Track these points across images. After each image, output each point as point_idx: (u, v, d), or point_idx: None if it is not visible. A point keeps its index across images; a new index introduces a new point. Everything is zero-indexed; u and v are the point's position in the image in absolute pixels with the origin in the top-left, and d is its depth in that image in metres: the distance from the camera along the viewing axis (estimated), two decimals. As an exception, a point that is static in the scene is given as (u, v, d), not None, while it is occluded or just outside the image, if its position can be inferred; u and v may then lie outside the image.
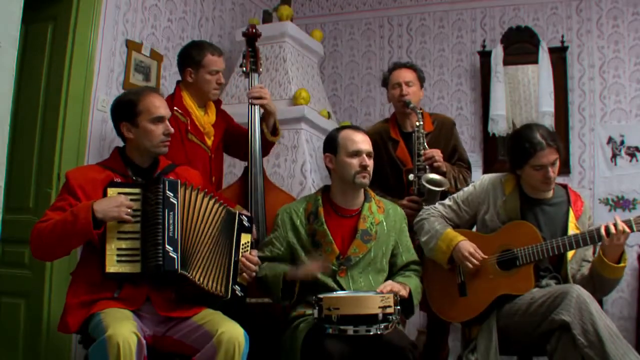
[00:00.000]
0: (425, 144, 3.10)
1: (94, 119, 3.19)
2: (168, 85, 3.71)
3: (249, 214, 2.53)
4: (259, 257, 2.54)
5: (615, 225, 2.35)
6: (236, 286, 2.36)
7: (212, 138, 3.01)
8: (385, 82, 3.37)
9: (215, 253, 2.33)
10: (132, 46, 3.45)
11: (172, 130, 2.40)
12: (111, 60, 3.32)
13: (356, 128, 2.68)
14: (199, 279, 2.25)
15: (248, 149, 3.03)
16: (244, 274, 2.40)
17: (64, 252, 2.26)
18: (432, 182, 2.99)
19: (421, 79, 3.33)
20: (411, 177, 3.10)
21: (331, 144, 2.61)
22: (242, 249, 2.41)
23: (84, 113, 3.12)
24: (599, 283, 2.44)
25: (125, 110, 2.36)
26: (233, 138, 3.16)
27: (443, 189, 3.00)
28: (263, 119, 3.08)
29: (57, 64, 3.09)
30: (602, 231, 2.37)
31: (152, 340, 2.21)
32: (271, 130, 3.10)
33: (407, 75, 3.27)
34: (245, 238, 2.43)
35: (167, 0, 3.78)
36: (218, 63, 2.98)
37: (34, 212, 2.99)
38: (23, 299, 2.98)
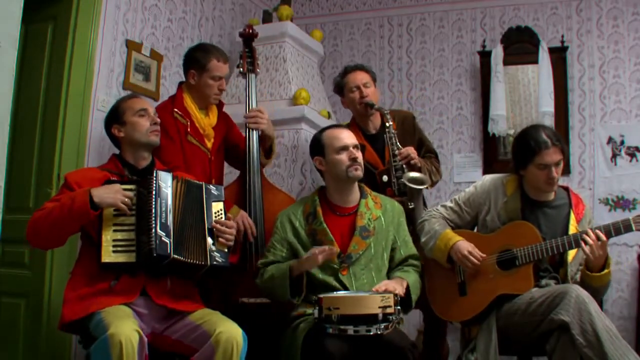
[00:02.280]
0: (398, 143, 3.07)
1: (94, 119, 3.19)
2: (168, 85, 3.71)
3: (218, 185, 2.59)
4: (262, 262, 2.57)
5: (589, 236, 2.36)
6: (215, 253, 2.38)
7: (212, 140, 3.01)
8: (339, 88, 3.33)
9: (193, 227, 2.37)
10: (132, 46, 3.44)
11: (158, 120, 2.51)
12: (111, 60, 3.32)
13: (337, 125, 2.74)
14: (188, 258, 2.29)
15: (244, 161, 3.03)
16: (221, 239, 2.41)
17: (60, 238, 2.30)
18: (413, 180, 2.98)
19: (375, 80, 3.32)
20: (385, 178, 3.07)
21: (317, 147, 2.64)
22: (215, 216, 2.45)
23: (84, 113, 3.12)
24: (590, 290, 2.45)
25: (112, 115, 2.54)
26: (231, 145, 3.16)
27: (425, 186, 3.00)
28: (260, 140, 3.07)
29: (57, 64, 3.09)
30: (581, 242, 2.38)
31: (151, 338, 2.23)
32: (266, 152, 3.10)
33: (363, 77, 3.25)
34: (217, 206, 2.48)
35: (167, 0, 3.78)
36: (222, 69, 2.97)
37: (34, 212, 2.98)
38: (23, 299, 2.97)
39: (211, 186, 2.51)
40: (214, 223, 2.41)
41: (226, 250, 2.43)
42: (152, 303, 2.27)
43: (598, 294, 2.47)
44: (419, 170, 3.05)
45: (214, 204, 2.47)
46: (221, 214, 2.47)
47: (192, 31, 3.99)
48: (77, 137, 3.08)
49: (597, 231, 2.38)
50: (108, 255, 2.20)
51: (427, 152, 3.30)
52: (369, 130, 3.26)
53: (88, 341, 2.16)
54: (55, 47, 3.12)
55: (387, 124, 3.10)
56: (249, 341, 2.20)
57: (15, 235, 2.83)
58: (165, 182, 2.33)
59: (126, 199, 2.25)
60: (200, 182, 2.49)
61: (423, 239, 2.71)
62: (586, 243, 2.37)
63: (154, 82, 3.59)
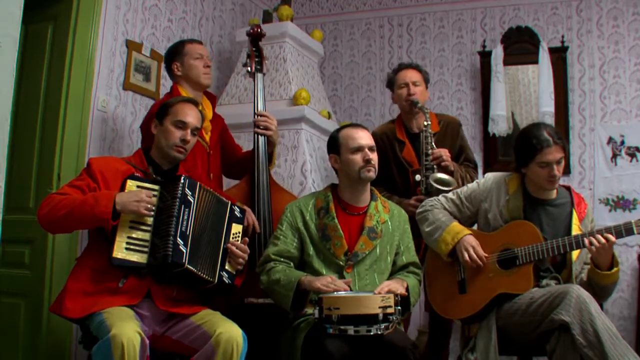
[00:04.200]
0: (433, 143, 3.09)
1: (94, 119, 3.20)
2: (168, 85, 3.69)
3: (242, 206, 2.57)
4: (273, 251, 2.55)
5: (597, 240, 2.36)
6: (224, 272, 2.39)
7: (210, 134, 3.01)
8: (391, 83, 3.35)
9: (209, 242, 2.37)
10: (132, 46, 3.45)
11: (188, 138, 2.44)
12: (111, 60, 3.32)
13: (355, 125, 2.71)
14: (200, 271, 2.28)
15: (251, 170, 3.04)
16: (232, 261, 2.42)
17: (69, 229, 2.33)
18: (440, 181, 2.99)
19: (426, 80, 3.34)
20: (418, 177, 3.10)
21: (333, 145, 2.65)
22: (233, 237, 2.44)
23: (84, 113, 3.12)
24: (598, 289, 2.46)
25: (161, 110, 2.50)
26: (226, 148, 3.17)
27: (451, 188, 2.99)
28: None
29: (57, 64, 3.09)
30: (586, 243, 2.38)
31: (152, 339, 2.22)
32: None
33: (413, 75, 3.27)
34: (237, 228, 2.47)
35: (167, 0, 3.78)
36: (199, 48, 3.04)
37: (34, 212, 2.97)
38: (23, 299, 2.98)
39: (236, 207, 2.50)
40: (229, 244, 2.41)
41: (234, 272, 2.43)
42: (154, 307, 2.26)
43: (607, 292, 2.49)
44: (450, 173, 3.05)
45: (234, 224, 2.47)
46: (238, 236, 2.47)
47: (192, 31, 3.99)
48: (77, 137, 3.09)
49: (607, 234, 2.37)
50: (120, 251, 2.18)
51: (465, 160, 3.30)
52: (412, 128, 3.27)
53: (89, 341, 2.16)
54: (55, 47, 3.12)
55: (426, 123, 3.12)
56: (251, 341, 2.20)
57: (15, 235, 2.84)
58: (191, 191, 2.31)
59: (150, 205, 2.22)
60: (227, 200, 2.48)
61: (427, 229, 2.70)
62: (591, 244, 2.37)
63: (154, 82, 3.59)
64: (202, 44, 3.10)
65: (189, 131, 2.44)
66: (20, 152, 3.08)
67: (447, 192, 2.98)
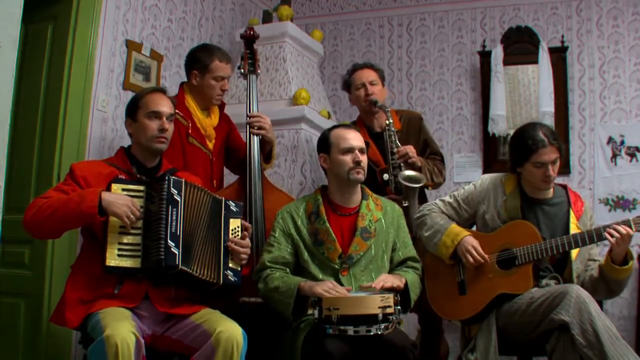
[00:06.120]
0: (397, 141, 3.08)
1: (94, 119, 3.19)
2: (168, 85, 3.70)
3: (237, 201, 2.54)
4: (268, 258, 2.53)
5: (618, 231, 2.36)
6: (228, 271, 2.36)
7: (214, 141, 2.99)
8: (347, 85, 3.34)
9: (207, 242, 2.34)
10: (132, 46, 3.44)
11: (166, 126, 2.40)
12: (111, 60, 3.32)
13: (347, 126, 2.72)
14: (196, 271, 2.26)
15: (244, 166, 3.00)
16: (235, 258, 2.40)
17: (56, 230, 2.24)
18: (409, 179, 2.99)
19: (382, 78, 3.31)
20: (386, 177, 3.09)
21: (324, 144, 2.64)
22: (232, 234, 2.42)
23: (84, 113, 3.12)
24: (615, 284, 2.46)
25: (130, 106, 2.44)
26: (231, 149, 3.14)
27: (421, 184, 3.00)
28: (260, 144, 3.05)
29: (57, 64, 3.09)
30: (607, 235, 2.37)
31: (151, 339, 2.22)
32: (265, 156, 3.08)
33: (369, 75, 3.25)
34: (234, 223, 2.44)
35: (167, 0, 3.78)
36: (225, 69, 2.96)
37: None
38: (23, 299, 2.97)
39: (231, 202, 2.46)
40: (229, 242, 2.38)
41: (239, 268, 2.41)
42: (153, 308, 2.24)
43: (622, 286, 2.48)
44: (418, 169, 3.05)
45: (231, 220, 2.43)
46: (238, 231, 2.43)
47: (192, 31, 4.00)
48: (77, 137, 3.08)
49: (625, 227, 2.37)
50: (113, 259, 2.15)
51: (431, 153, 3.29)
52: (374, 128, 3.27)
53: (88, 341, 2.16)
54: (55, 47, 3.12)
55: (387, 122, 3.12)
56: (250, 341, 2.20)
57: (15, 235, 2.83)
58: (176, 190, 2.25)
59: (135, 213, 2.17)
60: (221, 197, 2.44)
61: (426, 234, 2.70)
62: (612, 236, 2.37)
63: (154, 82, 3.59)
64: (229, 63, 3.00)
65: (164, 119, 2.39)
66: (20, 152, 3.07)
67: (417, 189, 2.98)
